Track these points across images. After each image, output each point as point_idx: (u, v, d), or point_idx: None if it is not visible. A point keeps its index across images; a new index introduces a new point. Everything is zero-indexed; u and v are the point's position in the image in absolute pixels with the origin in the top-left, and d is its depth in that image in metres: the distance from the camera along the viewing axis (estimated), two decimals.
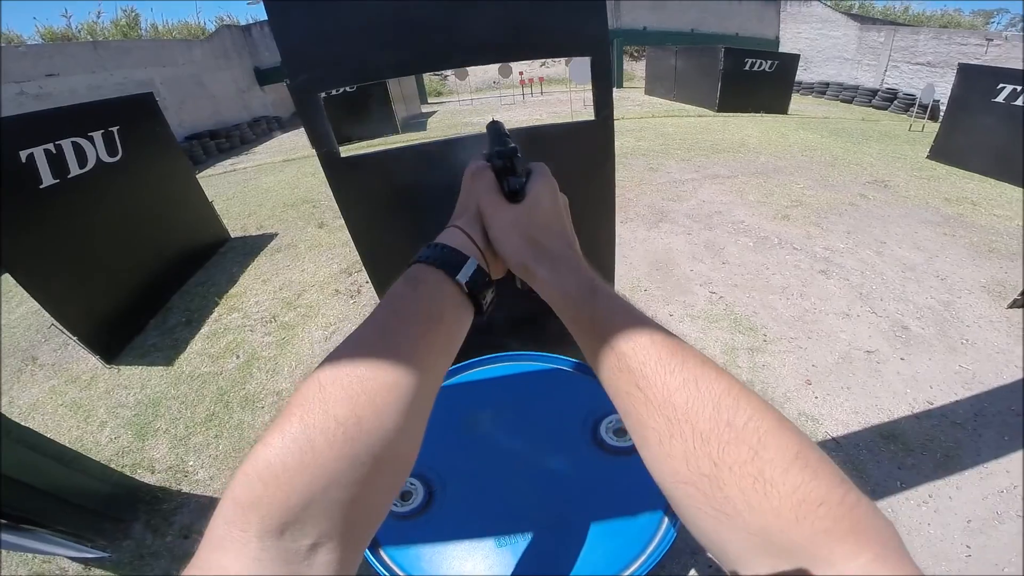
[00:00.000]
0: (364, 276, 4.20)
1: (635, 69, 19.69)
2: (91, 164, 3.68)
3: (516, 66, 16.47)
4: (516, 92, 16.61)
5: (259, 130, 13.86)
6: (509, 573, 0.85)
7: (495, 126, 0.61)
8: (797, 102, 13.65)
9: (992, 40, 12.27)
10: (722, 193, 6.09)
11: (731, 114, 11.85)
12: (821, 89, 16.54)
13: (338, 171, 1.31)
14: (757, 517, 0.30)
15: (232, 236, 5.68)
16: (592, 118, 1.37)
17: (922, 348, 3.19)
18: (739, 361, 3.14)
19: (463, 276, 0.45)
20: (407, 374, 0.38)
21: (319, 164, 1.28)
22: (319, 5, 1.08)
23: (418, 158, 1.41)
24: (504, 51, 1.23)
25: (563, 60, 16.37)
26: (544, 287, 0.48)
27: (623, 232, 4.99)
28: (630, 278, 4.12)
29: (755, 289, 3.93)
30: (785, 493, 0.30)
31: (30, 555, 2.13)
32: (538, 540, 0.89)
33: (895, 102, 13.85)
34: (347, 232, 1.45)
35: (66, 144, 3.45)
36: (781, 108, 12.40)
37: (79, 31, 13.18)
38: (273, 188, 7.75)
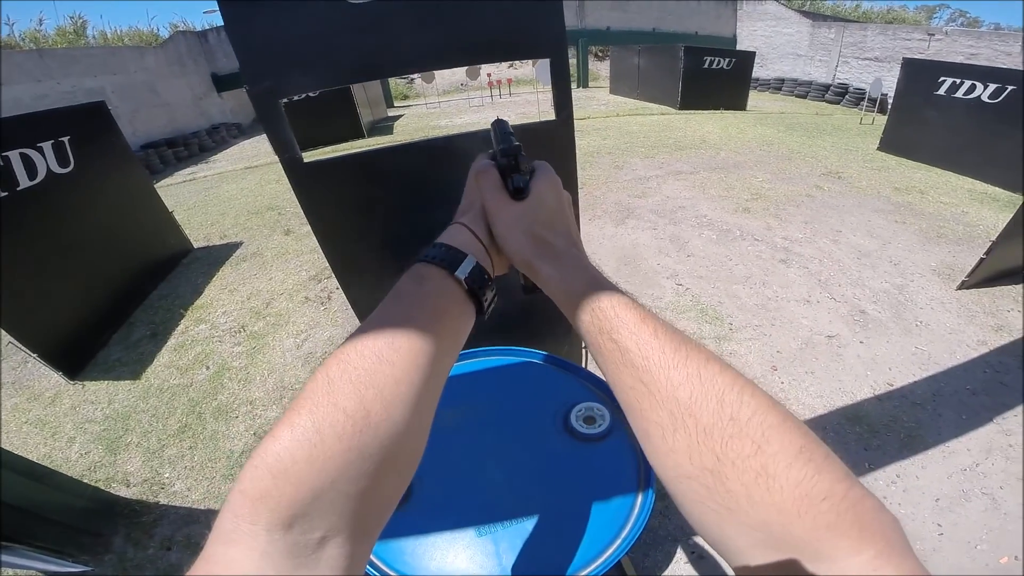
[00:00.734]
0: (334, 282, 4.14)
1: (599, 69, 19.95)
2: (41, 175, 3.53)
3: (484, 68, 16.47)
4: (484, 94, 16.59)
5: (218, 137, 13.49)
6: (491, 562, 0.86)
7: (500, 125, 0.61)
8: (755, 98, 14.06)
9: (934, 35, 12.88)
10: (685, 189, 6.24)
11: (692, 111, 12.12)
12: (777, 85, 17.08)
13: (302, 177, 1.31)
14: (760, 511, 0.31)
15: (195, 247, 5.52)
16: (554, 118, 1.40)
17: (880, 331, 3.34)
18: None
19: (462, 272, 0.46)
20: (414, 369, 0.38)
21: (283, 170, 1.28)
22: (277, 10, 1.07)
23: (384, 161, 1.42)
24: (465, 54, 1.25)
25: (530, 61, 16.46)
26: (548, 283, 0.48)
27: (591, 230, 5.07)
28: None
29: (719, 280, 4.05)
30: (788, 488, 0.30)
31: (10, 572, 2.05)
32: (518, 528, 0.91)
33: (846, 96, 14.41)
34: (315, 238, 1.44)
35: (13, 155, 3.30)
36: (739, 104, 12.75)
37: (22, 39, 12.58)
38: (236, 196, 7.57)
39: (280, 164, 1.27)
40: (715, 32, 19.26)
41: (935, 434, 2.53)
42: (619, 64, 15.87)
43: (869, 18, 21.23)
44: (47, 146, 3.63)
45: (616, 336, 0.40)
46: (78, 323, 3.64)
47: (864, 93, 12.08)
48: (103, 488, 2.48)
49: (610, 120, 11.28)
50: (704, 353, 0.37)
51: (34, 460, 2.23)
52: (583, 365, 1.42)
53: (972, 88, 6.42)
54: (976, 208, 5.44)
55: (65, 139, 3.81)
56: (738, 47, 17.87)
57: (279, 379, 3.23)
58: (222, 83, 14.51)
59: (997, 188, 6.08)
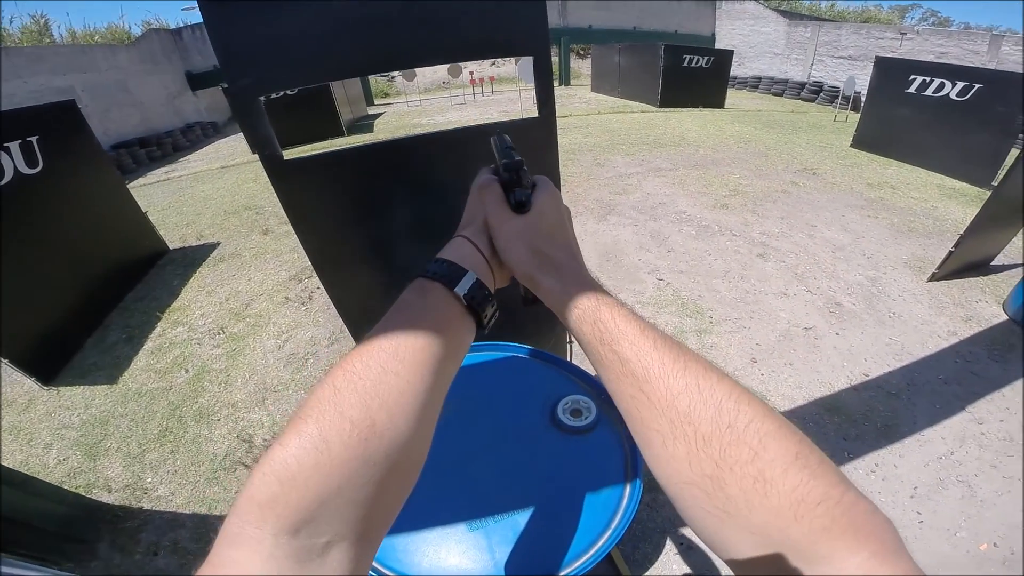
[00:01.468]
0: (315, 282, 4.10)
1: (581, 67, 20.00)
2: (8, 176, 3.42)
3: (466, 66, 16.41)
4: (467, 92, 16.50)
5: (193, 136, 13.20)
6: (484, 557, 0.87)
7: (501, 139, 0.62)
8: (732, 96, 14.25)
9: (906, 34, 13.22)
10: (665, 185, 6.31)
11: (672, 109, 12.25)
12: (754, 83, 17.34)
13: (282, 174, 1.29)
14: (758, 516, 0.32)
15: (171, 248, 5.40)
16: (536, 115, 1.41)
17: (855, 322, 3.43)
18: (688, 343, 3.22)
19: (461, 289, 0.46)
20: (418, 380, 0.39)
21: (261, 169, 1.26)
22: (257, 7, 1.06)
23: (366, 159, 1.41)
24: (448, 52, 1.25)
25: (513, 59, 16.45)
26: (549, 295, 0.49)
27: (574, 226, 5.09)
28: None
29: (699, 274, 4.11)
30: (784, 492, 0.31)
31: None
32: (509, 522, 0.92)
33: (821, 94, 14.72)
34: (295, 238, 1.42)
35: None
36: (718, 102, 12.93)
37: None
38: (212, 196, 7.42)
39: (258, 163, 1.26)
40: (694, 31, 19.49)
41: (910, 423, 2.59)
42: (601, 62, 15.93)
43: (844, 17, 21.68)
44: (14, 146, 3.51)
45: (617, 347, 0.41)
46: (50, 328, 3.53)
47: (838, 91, 12.34)
48: (84, 494, 2.43)
49: (592, 118, 11.34)
50: (702, 364, 0.39)
51: (11, 467, 2.18)
52: (569, 359, 1.43)
53: (941, 86, 6.61)
54: (945, 203, 5.61)
55: (33, 139, 3.69)
56: (717, 46, 18.11)
57: (261, 381, 3.18)
58: (197, 81, 14.20)
59: (965, 184, 6.28)
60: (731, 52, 13.40)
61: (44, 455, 2.79)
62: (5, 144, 3.44)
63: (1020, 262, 4.10)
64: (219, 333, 3.75)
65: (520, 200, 0.53)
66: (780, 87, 16.23)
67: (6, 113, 3.70)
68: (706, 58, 12.61)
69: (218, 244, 5.46)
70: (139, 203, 5.08)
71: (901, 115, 7.19)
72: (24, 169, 3.58)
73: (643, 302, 3.75)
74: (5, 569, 1.73)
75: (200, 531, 2.25)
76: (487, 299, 0.49)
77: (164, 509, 2.38)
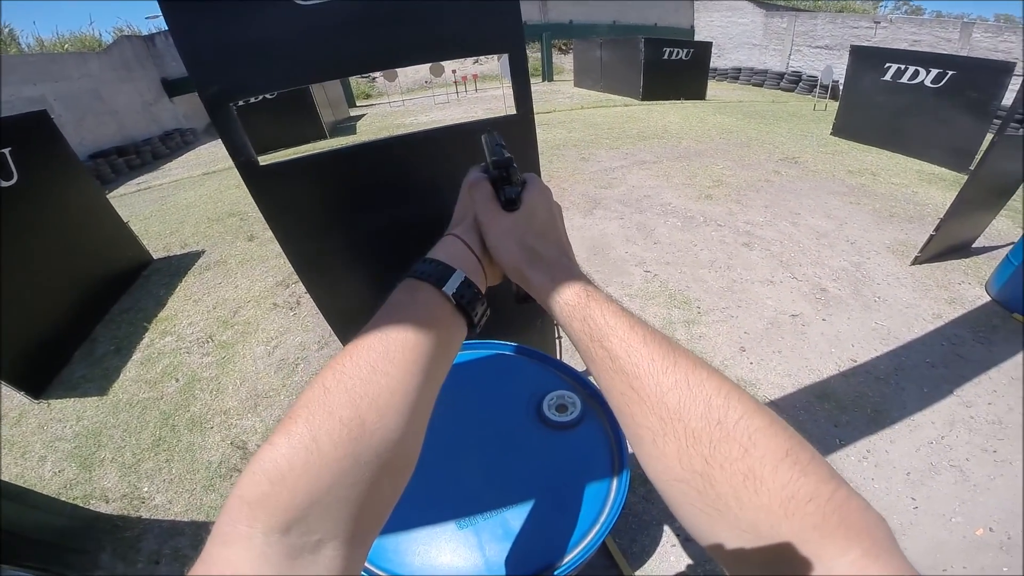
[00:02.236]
0: (303, 287, 4.07)
1: (564, 63, 19.99)
2: None
3: (448, 64, 16.30)
4: (450, 91, 16.42)
5: (172, 144, 12.97)
6: (474, 554, 0.87)
7: (491, 137, 0.62)
8: (713, 88, 14.36)
9: (880, 23, 13.39)
10: (650, 178, 6.34)
11: (654, 102, 12.31)
12: (734, 75, 17.44)
13: (259, 181, 1.28)
14: (748, 513, 0.31)
15: (155, 257, 5.31)
16: (514, 112, 1.41)
17: (841, 308, 3.47)
18: (677, 334, 3.29)
19: (449, 288, 0.46)
20: (408, 378, 0.39)
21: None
22: (223, 11, 1.04)
23: (343, 162, 1.40)
24: (422, 51, 1.24)
25: (496, 56, 16.40)
26: (540, 292, 0.49)
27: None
28: None
29: (686, 265, 4.14)
30: (774, 489, 0.31)
31: None
32: (499, 519, 0.92)
33: (800, 84, 14.85)
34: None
35: None
36: (699, 94, 13.01)
37: None
38: (195, 203, 7.31)
39: None
40: (673, 23, 19.55)
41: (900, 408, 2.61)
42: (582, 57, 15.94)
43: (819, 7, 21.87)
44: None
45: (607, 343, 0.41)
46: (36, 342, 3.48)
47: (816, 80, 12.46)
48: (82, 505, 2.42)
49: (575, 113, 11.34)
50: (692, 359, 0.39)
51: (7, 480, 2.16)
52: (558, 356, 1.44)
53: (916, 73, 6.71)
54: (925, 188, 5.71)
55: (6, 151, 3.61)
56: (696, 38, 18.22)
57: (252, 387, 3.15)
58: (173, 88, 13.95)
59: (943, 169, 6.38)
60: (710, 44, 13.49)
61: (39, 467, 2.76)
62: None
63: (1000, 243, 4.18)
64: (208, 341, 3.71)
65: (510, 197, 0.53)
66: (760, 78, 16.35)
67: None
68: (686, 50, 12.66)
69: (203, 252, 5.38)
70: (120, 213, 4.99)
71: (878, 102, 7.28)
72: None
73: (631, 295, 3.76)
74: None
75: (200, 538, 2.24)
76: (477, 298, 0.49)
77: (163, 518, 2.37)
